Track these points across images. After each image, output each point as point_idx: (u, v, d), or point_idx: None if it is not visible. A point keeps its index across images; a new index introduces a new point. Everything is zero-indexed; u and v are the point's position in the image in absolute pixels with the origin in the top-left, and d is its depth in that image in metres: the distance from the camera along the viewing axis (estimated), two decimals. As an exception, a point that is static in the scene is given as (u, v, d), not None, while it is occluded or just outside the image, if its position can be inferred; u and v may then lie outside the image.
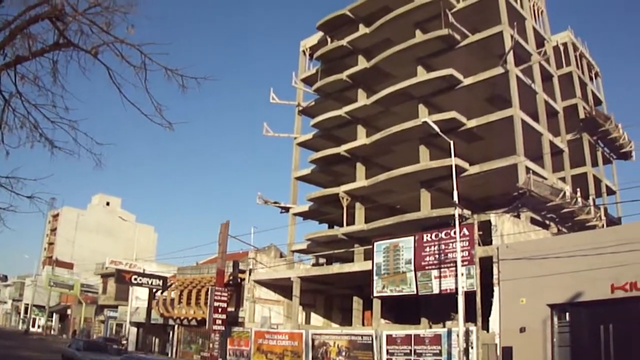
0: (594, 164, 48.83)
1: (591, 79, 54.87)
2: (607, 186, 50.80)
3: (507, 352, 28.89)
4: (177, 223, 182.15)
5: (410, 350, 30.64)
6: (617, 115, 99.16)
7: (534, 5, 46.92)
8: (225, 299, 40.42)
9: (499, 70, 38.60)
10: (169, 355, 49.61)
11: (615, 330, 27.06)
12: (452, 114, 38.55)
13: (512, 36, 38.39)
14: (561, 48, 49.81)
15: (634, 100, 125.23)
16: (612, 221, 46.77)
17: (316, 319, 48.34)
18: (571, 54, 49.96)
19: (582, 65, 52.13)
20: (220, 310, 39.56)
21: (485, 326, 29.65)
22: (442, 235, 32.34)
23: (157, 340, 53.69)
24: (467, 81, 40.00)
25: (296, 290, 41.21)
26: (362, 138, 45.36)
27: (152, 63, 11.12)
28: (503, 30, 39.18)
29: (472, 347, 28.50)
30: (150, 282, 48.00)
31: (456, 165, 32.26)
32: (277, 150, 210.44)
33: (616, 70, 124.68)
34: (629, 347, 26.59)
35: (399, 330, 33.00)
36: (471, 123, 39.11)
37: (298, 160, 52.90)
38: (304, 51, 55.43)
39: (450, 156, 31.26)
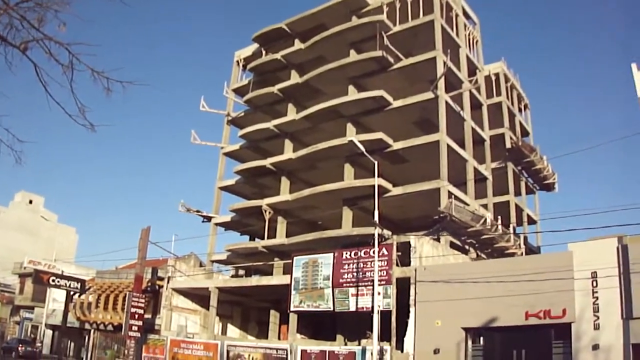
0: (517, 193, 50.06)
1: (520, 110, 56.23)
2: (528, 215, 52.03)
3: (418, 374, 29.38)
4: (99, 225, 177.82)
5: (325, 366, 30.60)
6: (543, 147, 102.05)
7: (469, 34, 48.01)
8: (142, 305, 39.81)
9: (429, 95, 39.18)
10: (84, 360, 48.40)
11: (527, 356, 27.80)
12: (379, 135, 38.95)
13: (444, 63, 39.08)
14: (493, 78, 50.66)
15: (561, 134, 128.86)
16: (531, 250, 47.99)
17: (232, 331, 47.88)
18: (502, 84, 50.98)
19: (512, 96, 53.43)
20: (136, 316, 38.92)
21: (400, 346, 29.91)
22: (362, 253, 32.58)
23: (72, 344, 52.44)
24: (397, 104, 40.47)
25: (213, 301, 40.83)
26: (289, 152, 45.30)
27: (80, 63, 10.89)
28: (436, 56, 39.81)
29: (386, 366, 28.70)
30: (68, 285, 46.57)
31: (379, 186, 32.64)
32: (204, 159, 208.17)
33: (546, 103, 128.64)
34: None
35: (314, 346, 33.04)
36: (397, 145, 39.52)
37: (223, 171, 52.44)
38: (237, 61, 55.11)
39: (374, 176, 31.62)
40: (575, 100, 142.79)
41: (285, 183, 45.75)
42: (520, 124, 54.31)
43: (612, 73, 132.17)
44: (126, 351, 41.07)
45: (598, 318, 26.61)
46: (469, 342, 29.55)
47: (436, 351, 29.12)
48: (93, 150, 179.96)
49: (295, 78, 47.00)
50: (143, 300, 40.20)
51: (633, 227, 39.09)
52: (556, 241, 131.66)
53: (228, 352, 34.93)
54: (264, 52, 50.58)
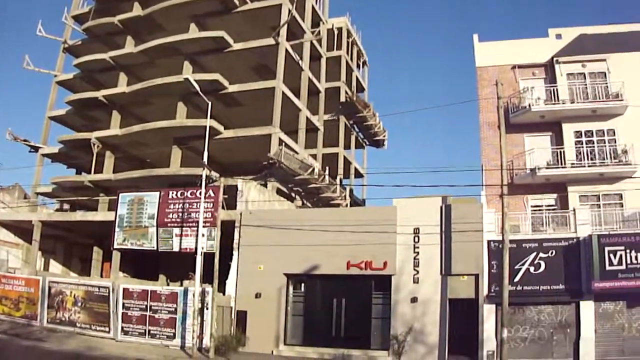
0: (347, 146, 51.29)
1: (358, 66, 57.53)
2: (356, 169, 53.70)
3: (242, 316, 29.71)
4: None
5: (146, 305, 30.25)
6: (377, 105, 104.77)
7: (318, -14, 47.98)
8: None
9: (270, 41, 39.24)
10: None
11: (347, 305, 28.80)
12: (216, 76, 38.45)
13: (289, 10, 39.10)
14: (335, 32, 51.28)
15: (396, 94, 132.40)
16: (356, 202, 49.60)
17: (55, 267, 46.18)
18: (344, 39, 51.73)
19: (352, 51, 54.39)
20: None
21: (222, 289, 30.10)
22: (188, 194, 32.53)
23: None
24: (237, 46, 40.10)
25: (37, 235, 39.51)
26: (123, 86, 43.73)
27: None
28: (282, 4, 39.82)
29: (207, 308, 28.78)
30: None
31: (211, 127, 32.51)
32: (36, 87, 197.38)
33: (385, 63, 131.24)
34: (359, 321, 28.49)
35: (137, 285, 32.54)
36: (233, 88, 39.28)
37: (55, 100, 49.58)
38: (80, -13, 52.19)
39: (207, 117, 31.43)
40: (413, 63, 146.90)
41: (116, 117, 44.28)
42: (357, 79, 55.67)
43: (453, 41, 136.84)
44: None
45: (418, 272, 28.12)
46: (291, 288, 30.32)
47: (258, 295, 29.63)
48: None
49: (137, 10, 45.02)
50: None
51: (455, 188, 41.30)
52: (382, 196, 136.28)
53: (50, 288, 33.69)
54: (107, -21, 48.12)
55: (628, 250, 26.73)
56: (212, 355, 26.63)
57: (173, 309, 29.81)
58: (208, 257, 29.44)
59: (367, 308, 28.86)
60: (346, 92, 49.33)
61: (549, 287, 27.36)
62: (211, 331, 27.86)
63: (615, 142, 32.90)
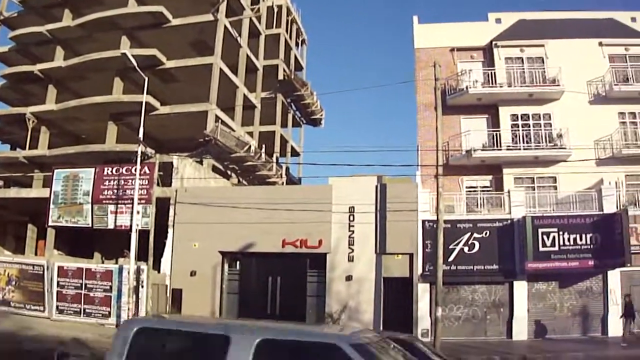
0: (284, 124, 51.11)
1: (297, 44, 57.29)
2: (292, 147, 53.61)
3: (177, 294, 29.60)
4: None
5: (82, 284, 29.89)
6: (315, 84, 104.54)
7: (258, -38, 47.50)
8: None
9: (209, 17, 38.69)
10: None
11: (282, 283, 28.87)
12: (153, 51, 37.77)
13: (229, -15, 38.70)
14: (275, 9, 50.81)
15: (334, 73, 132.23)
16: (292, 181, 49.63)
17: (-12, 245, 45.24)
18: (284, 17, 51.50)
19: (291, 29, 54.17)
20: None
21: (157, 266, 29.90)
22: (123, 170, 32.12)
23: None
24: (176, 22, 39.36)
25: (-30, 213, 38.25)
26: (60, 60, 42.57)
27: None
28: (222, -21, 39.19)
29: (142, 286, 28.59)
30: None
31: (147, 103, 32.03)
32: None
33: (323, 43, 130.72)
34: (294, 298, 28.61)
35: (72, 263, 32.12)
36: (170, 63, 38.73)
37: (-12, 75, 48.49)
38: (17, -44, 50.57)
39: (144, 92, 30.98)
40: (353, 43, 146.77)
41: (52, 92, 43.06)
42: (296, 58, 55.48)
43: (394, 23, 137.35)
44: None
45: (353, 251, 28.37)
46: (226, 266, 30.34)
47: (193, 273, 29.52)
48: None
49: (76, -18, 43.85)
50: None
51: (391, 168, 41.56)
52: (318, 175, 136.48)
53: (-18, 267, 33.02)
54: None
55: (561, 232, 27.48)
56: (147, 334, 26.30)
57: (108, 287, 29.52)
58: (143, 234, 29.10)
59: (302, 286, 29.00)
60: (284, 70, 49.21)
61: (483, 267, 27.92)
62: (146, 309, 27.71)
63: (550, 126, 33.55)
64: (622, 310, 26.31)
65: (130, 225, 29.41)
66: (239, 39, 41.68)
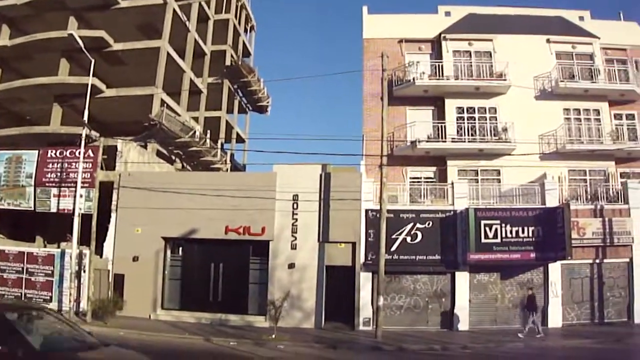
0: (230, 110, 51.16)
1: (246, 30, 57.31)
2: (238, 134, 53.47)
3: (119, 280, 29.40)
4: None
5: (23, 268, 29.70)
6: (262, 71, 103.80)
7: (209, -55, 47.16)
8: None
9: (158, 0, 38.31)
10: None
11: (225, 269, 28.85)
12: (100, 33, 37.17)
13: (177, -31, 38.33)
14: (225, -6, 50.68)
15: (282, 61, 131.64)
16: (237, 167, 49.76)
17: None
18: (233, 2, 51.45)
19: (240, 15, 54.17)
20: None
21: (100, 251, 29.64)
22: (67, 153, 31.64)
23: None
24: (124, 4, 38.93)
25: None
26: (5, 39, 41.50)
27: None
28: (173, -38, 38.86)
29: (84, 271, 28.51)
30: None
31: (93, 85, 31.72)
32: None
33: (272, 30, 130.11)
34: (237, 285, 28.74)
35: (13, 247, 31.63)
36: (117, 46, 38.20)
37: None
38: None
39: (90, 75, 30.58)
40: (302, 31, 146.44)
41: (-5, 72, 42.18)
42: (244, 44, 55.43)
43: (345, 12, 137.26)
44: None
45: (296, 239, 28.54)
46: (168, 252, 30.27)
47: (135, 258, 29.37)
48: None
49: (24, -41, 42.78)
50: None
51: (336, 157, 41.77)
52: (263, 162, 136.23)
53: None
54: None
55: (503, 225, 28.01)
56: (89, 319, 26.16)
57: (50, 272, 29.37)
58: (86, 218, 28.70)
59: (244, 273, 29.10)
60: (232, 56, 49.14)
61: (425, 257, 28.32)
62: (88, 294, 27.59)
63: (496, 119, 33.98)
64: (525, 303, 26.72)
65: (73, 209, 29.01)
66: (187, 23, 41.46)
